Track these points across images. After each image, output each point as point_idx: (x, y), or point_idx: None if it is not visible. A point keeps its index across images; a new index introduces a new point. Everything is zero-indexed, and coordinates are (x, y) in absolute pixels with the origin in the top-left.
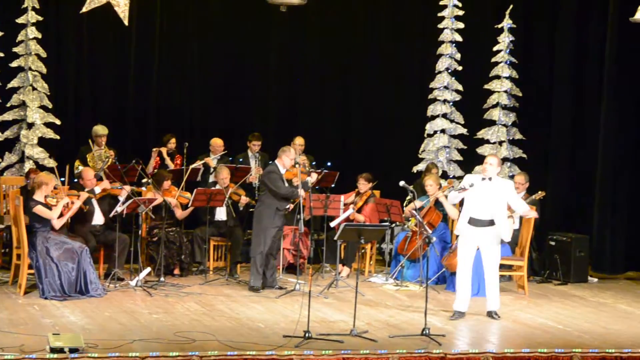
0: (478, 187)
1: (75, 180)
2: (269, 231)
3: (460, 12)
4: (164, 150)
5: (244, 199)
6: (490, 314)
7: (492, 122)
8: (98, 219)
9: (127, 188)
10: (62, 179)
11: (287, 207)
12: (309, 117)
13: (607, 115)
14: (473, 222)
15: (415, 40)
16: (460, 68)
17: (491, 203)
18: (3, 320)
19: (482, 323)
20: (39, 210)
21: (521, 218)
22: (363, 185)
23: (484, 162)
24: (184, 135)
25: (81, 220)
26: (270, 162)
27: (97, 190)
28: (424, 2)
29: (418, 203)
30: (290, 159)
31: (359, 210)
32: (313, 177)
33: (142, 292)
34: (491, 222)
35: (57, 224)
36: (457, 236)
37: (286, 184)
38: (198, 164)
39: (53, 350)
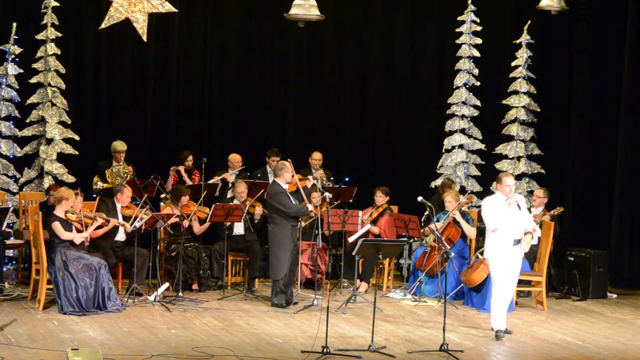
0: (509, 208)
1: (94, 195)
2: (288, 250)
3: (478, 28)
4: (181, 168)
5: (259, 210)
6: (506, 331)
7: (510, 138)
8: (120, 234)
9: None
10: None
11: (299, 221)
12: (326, 132)
13: (626, 130)
14: (511, 242)
15: (433, 56)
16: (478, 83)
17: (520, 222)
18: (22, 336)
19: (499, 339)
20: (55, 226)
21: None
22: (380, 197)
23: (506, 184)
24: (202, 151)
25: (103, 236)
26: (271, 181)
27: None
28: (442, 17)
29: (438, 225)
30: (289, 172)
31: (373, 222)
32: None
33: (161, 307)
34: (519, 240)
35: (77, 239)
36: (478, 255)
37: (291, 198)
38: (216, 179)
39: None
